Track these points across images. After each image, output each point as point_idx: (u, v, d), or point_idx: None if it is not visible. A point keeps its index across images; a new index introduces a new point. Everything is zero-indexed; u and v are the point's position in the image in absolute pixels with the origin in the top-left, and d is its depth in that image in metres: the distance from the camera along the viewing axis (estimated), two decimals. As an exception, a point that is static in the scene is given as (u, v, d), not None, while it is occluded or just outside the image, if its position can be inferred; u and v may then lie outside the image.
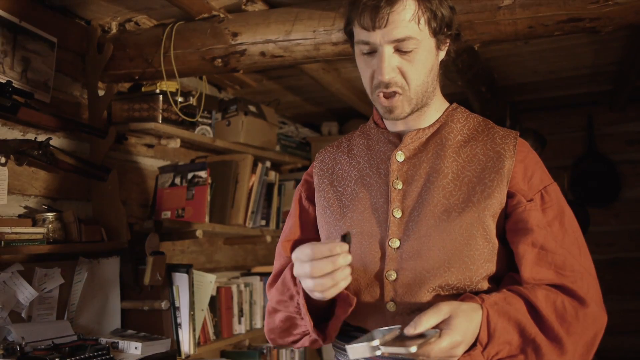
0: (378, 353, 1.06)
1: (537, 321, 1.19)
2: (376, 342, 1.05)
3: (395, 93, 1.27)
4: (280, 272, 1.42)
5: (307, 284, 1.18)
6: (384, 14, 1.21)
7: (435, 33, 1.27)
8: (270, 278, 1.46)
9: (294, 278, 1.31)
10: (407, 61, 1.25)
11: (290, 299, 1.32)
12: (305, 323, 1.28)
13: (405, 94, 1.27)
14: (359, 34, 1.27)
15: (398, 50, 1.24)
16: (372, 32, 1.23)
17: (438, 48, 1.30)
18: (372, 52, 1.27)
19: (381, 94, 1.28)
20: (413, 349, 1.02)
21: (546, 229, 1.25)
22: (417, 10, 1.22)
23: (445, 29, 1.28)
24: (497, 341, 1.15)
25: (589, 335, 1.21)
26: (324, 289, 1.15)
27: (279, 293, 1.37)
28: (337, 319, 1.27)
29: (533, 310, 1.19)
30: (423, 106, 1.33)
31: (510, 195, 1.27)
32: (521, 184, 1.28)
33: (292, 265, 1.29)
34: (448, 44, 1.33)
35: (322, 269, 1.12)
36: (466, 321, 1.11)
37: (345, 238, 1.15)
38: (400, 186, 1.31)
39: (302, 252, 1.16)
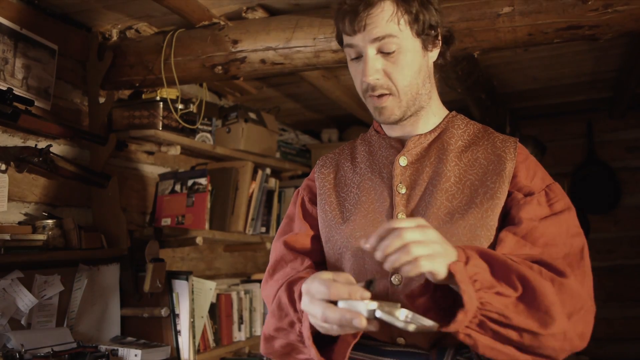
0: (375, 314, 0.99)
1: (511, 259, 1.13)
2: (374, 305, 0.99)
3: (383, 95, 1.29)
4: (276, 265, 1.39)
5: (315, 321, 1.08)
6: (362, 17, 1.24)
7: (419, 34, 1.29)
8: (265, 275, 1.42)
9: (292, 302, 1.24)
10: (391, 63, 1.27)
11: (291, 326, 1.24)
12: (311, 354, 1.18)
13: (394, 95, 1.29)
14: (345, 40, 1.31)
15: (381, 52, 1.27)
16: (354, 37, 1.27)
17: (425, 49, 1.32)
18: (359, 57, 1.30)
19: (371, 96, 1.30)
20: (411, 327, 0.97)
21: (538, 221, 1.23)
22: (395, 12, 1.25)
23: (430, 30, 1.30)
24: (475, 262, 1.08)
25: (567, 308, 1.12)
26: (333, 332, 1.06)
27: (277, 319, 1.28)
28: (346, 344, 1.17)
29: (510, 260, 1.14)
30: (418, 110, 1.35)
31: (508, 195, 1.28)
32: (522, 183, 1.28)
33: (288, 286, 1.27)
34: (439, 46, 1.35)
35: (337, 318, 1.01)
36: (438, 233, 1.07)
37: (369, 285, 1.04)
38: (404, 190, 1.32)
39: (316, 289, 1.06)
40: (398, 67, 1.28)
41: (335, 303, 1.03)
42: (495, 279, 1.09)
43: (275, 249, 1.45)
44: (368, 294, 1.01)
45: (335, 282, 1.05)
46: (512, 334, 1.08)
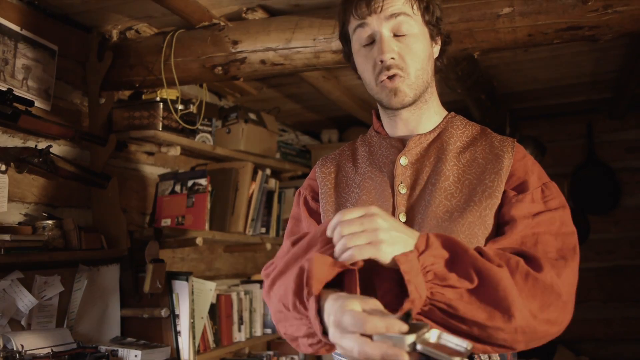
0: (416, 348, 0.93)
1: (480, 254, 1.13)
2: (412, 338, 0.93)
3: (396, 75, 1.30)
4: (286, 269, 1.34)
5: (348, 354, 1.01)
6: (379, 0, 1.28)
7: (428, 22, 1.34)
8: (269, 280, 1.35)
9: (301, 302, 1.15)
10: (404, 45, 1.30)
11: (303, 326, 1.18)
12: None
13: (406, 77, 1.31)
14: (356, 24, 1.33)
15: (395, 35, 1.30)
16: (368, 18, 1.30)
17: (432, 39, 1.36)
18: (371, 43, 1.32)
19: (385, 77, 1.31)
20: (458, 355, 0.91)
21: (531, 218, 1.23)
22: None
23: (436, 22, 1.35)
24: (433, 252, 1.09)
25: (534, 305, 1.11)
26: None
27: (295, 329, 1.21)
28: None
29: (478, 251, 1.13)
30: (424, 103, 1.37)
31: (503, 193, 1.29)
32: (517, 181, 1.30)
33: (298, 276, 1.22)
34: (440, 44, 1.40)
35: (378, 354, 0.94)
36: (393, 220, 1.10)
37: (407, 318, 0.96)
38: (404, 190, 1.33)
39: (348, 322, 0.98)
40: (411, 51, 1.31)
41: (370, 337, 0.97)
42: (451, 270, 1.10)
43: (284, 247, 1.45)
44: (406, 327, 0.95)
45: (369, 315, 0.99)
46: (461, 325, 1.10)
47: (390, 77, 1.30)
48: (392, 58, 1.29)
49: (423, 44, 1.32)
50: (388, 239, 1.07)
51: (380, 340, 0.95)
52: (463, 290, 1.09)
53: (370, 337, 0.97)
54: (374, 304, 1.03)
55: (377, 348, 0.95)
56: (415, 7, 1.30)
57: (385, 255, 1.07)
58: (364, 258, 1.06)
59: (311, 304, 1.08)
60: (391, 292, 1.16)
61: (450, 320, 1.09)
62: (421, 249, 1.09)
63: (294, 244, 1.28)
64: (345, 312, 1.00)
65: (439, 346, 0.96)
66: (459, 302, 1.08)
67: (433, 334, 0.97)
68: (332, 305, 1.04)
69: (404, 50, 1.30)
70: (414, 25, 1.31)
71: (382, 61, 1.29)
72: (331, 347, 1.12)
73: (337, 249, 1.07)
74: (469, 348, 0.95)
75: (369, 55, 1.33)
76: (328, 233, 1.11)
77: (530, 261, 1.16)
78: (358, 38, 1.34)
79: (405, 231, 1.11)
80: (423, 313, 1.09)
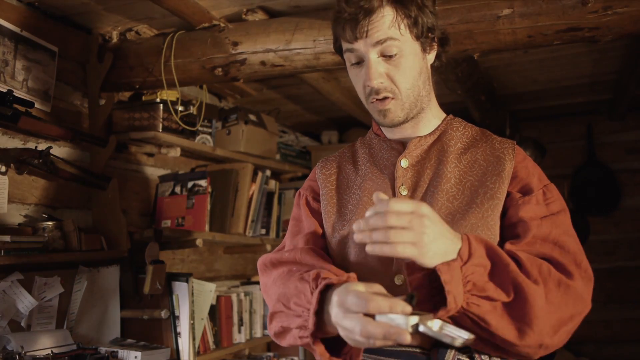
0: (418, 329, 0.97)
1: (519, 265, 1.14)
2: (415, 319, 0.96)
3: (387, 98, 1.30)
4: (288, 262, 1.35)
5: (348, 335, 1.04)
6: (364, 24, 1.26)
7: (418, 37, 1.31)
8: (272, 258, 1.39)
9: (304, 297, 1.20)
10: (393, 66, 1.29)
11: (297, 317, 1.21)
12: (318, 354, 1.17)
13: (397, 98, 1.31)
14: (344, 46, 1.32)
15: (383, 56, 1.28)
16: (355, 43, 1.28)
17: (424, 51, 1.34)
18: (360, 62, 1.31)
19: (374, 100, 1.31)
20: (458, 342, 0.95)
21: (540, 220, 1.25)
22: (395, 17, 1.27)
23: (428, 33, 1.32)
24: (475, 261, 1.10)
25: (565, 312, 1.14)
26: (368, 345, 1.02)
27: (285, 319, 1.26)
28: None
29: (515, 260, 1.15)
30: (420, 112, 1.37)
31: (507, 195, 1.30)
32: (521, 183, 1.30)
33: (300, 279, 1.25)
34: (436, 48, 1.38)
35: (381, 333, 0.97)
36: (441, 223, 1.08)
37: (411, 300, 0.99)
38: (405, 192, 1.34)
39: (352, 302, 1.02)
40: (400, 71, 1.29)
41: (372, 316, 1.00)
42: (490, 280, 1.11)
43: (284, 244, 1.47)
44: (409, 308, 0.98)
45: (374, 295, 1.02)
46: (489, 336, 1.12)
47: (382, 100, 1.30)
48: (381, 82, 1.29)
49: (413, 61, 1.30)
50: (433, 244, 1.06)
51: (385, 320, 0.97)
52: (498, 303, 1.10)
53: (372, 318, 0.99)
54: (378, 288, 1.06)
55: (379, 327, 0.97)
56: (402, 26, 1.28)
57: (428, 261, 1.06)
58: (403, 257, 1.05)
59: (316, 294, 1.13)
60: (422, 286, 1.14)
61: (479, 331, 1.10)
62: (464, 258, 1.09)
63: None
64: (349, 292, 1.04)
65: (441, 334, 0.98)
66: (493, 316, 1.09)
67: (436, 323, 0.99)
68: (337, 292, 1.08)
69: (393, 71, 1.29)
70: (403, 45, 1.28)
71: (369, 86, 1.29)
72: (315, 340, 1.14)
73: (375, 236, 1.03)
74: (470, 338, 0.98)
75: (359, 74, 1.32)
76: (368, 214, 1.05)
77: (557, 267, 1.18)
78: (348, 58, 1.34)
79: (450, 235, 1.09)
80: (452, 317, 1.10)
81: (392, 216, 1.03)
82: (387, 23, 1.26)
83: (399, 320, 0.97)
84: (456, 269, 1.07)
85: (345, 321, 1.03)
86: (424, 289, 1.14)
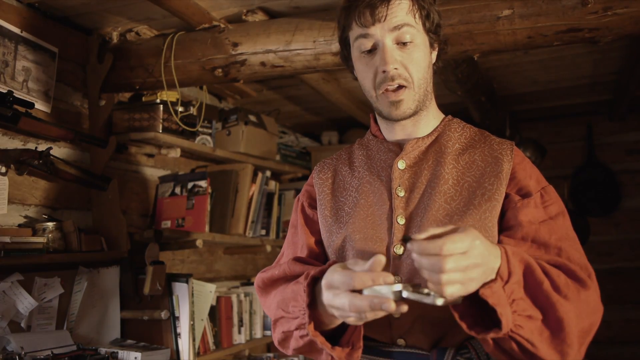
0: (402, 295, 1.00)
1: (547, 275, 1.13)
2: (398, 287, 1.01)
3: (400, 87, 1.30)
4: (282, 277, 1.35)
5: (341, 313, 1.08)
6: (382, 9, 1.27)
7: (429, 30, 1.34)
8: (264, 278, 1.39)
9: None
10: (407, 54, 1.30)
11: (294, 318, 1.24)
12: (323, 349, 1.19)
13: (410, 87, 1.31)
14: (358, 32, 1.31)
15: (398, 43, 1.29)
16: (371, 27, 1.29)
17: (431, 47, 1.37)
18: (372, 50, 1.31)
19: (388, 88, 1.30)
20: (439, 302, 0.98)
21: (538, 224, 1.24)
22: (411, 6, 1.30)
23: (436, 29, 1.35)
24: (515, 279, 1.09)
25: (586, 323, 1.15)
26: (361, 321, 1.07)
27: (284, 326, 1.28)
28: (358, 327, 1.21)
29: (541, 267, 1.14)
30: (423, 109, 1.36)
31: (505, 196, 1.29)
32: (519, 185, 1.30)
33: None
34: (437, 49, 1.39)
35: (366, 304, 1.02)
36: (486, 248, 1.04)
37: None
38: (402, 194, 1.33)
39: (338, 280, 1.07)
40: (414, 60, 1.30)
41: (360, 293, 1.05)
42: (527, 297, 1.10)
43: (282, 254, 1.48)
44: (391, 278, 1.03)
45: (357, 272, 1.06)
46: (529, 358, 1.11)
47: (395, 89, 1.30)
48: (396, 68, 1.28)
49: (424, 53, 1.32)
50: (477, 276, 1.03)
51: (371, 292, 1.04)
52: (538, 323, 1.10)
53: (360, 293, 1.05)
54: (362, 264, 1.09)
55: (365, 299, 1.03)
56: (417, 16, 1.30)
57: (470, 290, 1.04)
58: (452, 301, 1.02)
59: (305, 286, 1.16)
60: (467, 315, 1.11)
61: (520, 354, 1.10)
62: (505, 278, 1.07)
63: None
64: (335, 272, 1.09)
65: (422, 297, 1.01)
66: (536, 338, 1.09)
67: (417, 287, 1.04)
68: (324, 277, 1.12)
69: (407, 60, 1.29)
70: (416, 35, 1.30)
71: (384, 71, 1.28)
72: (315, 337, 1.15)
73: (445, 279, 0.98)
74: (452, 298, 1.01)
75: (370, 63, 1.31)
76: (416, 248, 1.01)
77: (569, 274, 1.17)
78: (359, 46, 1.32)
79: (492, 258, 1.06)
80: (495, 339, 1.09)
81: (448, 261, 0.98)
82: (405, 9, 1.29)
83: (383, 290, 1.02)
84: (499, 291, 1.05)
85: (335, 300, 1.08)
86: (468, 317, 1.10)
